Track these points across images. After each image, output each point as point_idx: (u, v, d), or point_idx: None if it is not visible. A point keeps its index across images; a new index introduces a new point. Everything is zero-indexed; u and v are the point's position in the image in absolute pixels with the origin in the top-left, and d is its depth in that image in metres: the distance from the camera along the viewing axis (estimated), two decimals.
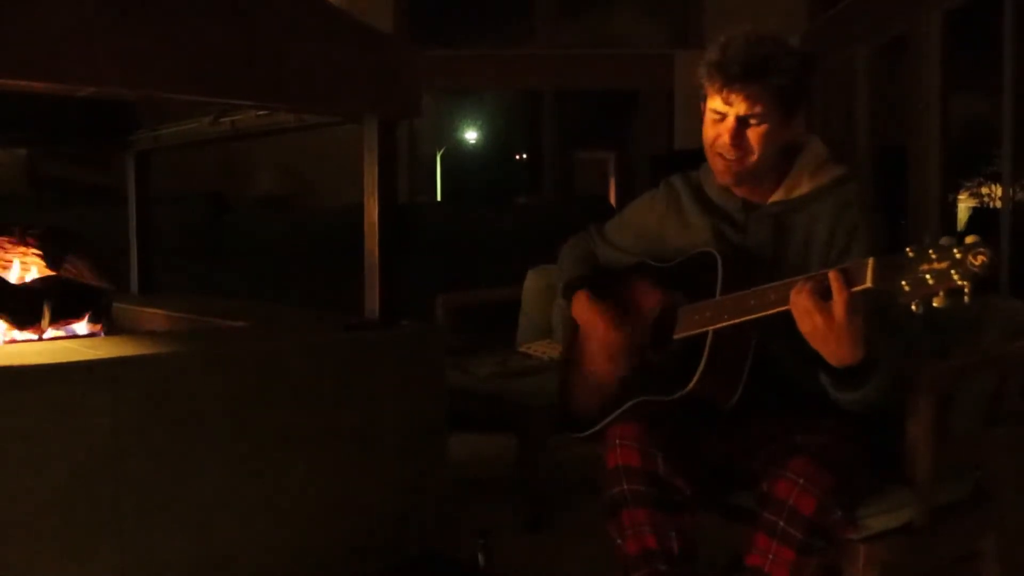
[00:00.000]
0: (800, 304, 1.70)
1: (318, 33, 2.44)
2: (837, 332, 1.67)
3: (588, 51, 9.46)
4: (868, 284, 1.59)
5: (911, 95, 6.18)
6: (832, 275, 1.66)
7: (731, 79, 1.92)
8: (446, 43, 9.17)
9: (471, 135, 19.99)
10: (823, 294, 1.67)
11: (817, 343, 1.72)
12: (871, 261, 1.59)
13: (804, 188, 2.01)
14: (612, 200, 13.13)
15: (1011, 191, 5.64)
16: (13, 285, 2.61)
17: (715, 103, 1.96)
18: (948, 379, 2.00)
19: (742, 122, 1.94)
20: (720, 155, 1.99)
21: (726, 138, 1.95)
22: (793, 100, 1.95)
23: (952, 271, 1.46)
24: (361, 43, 2.51)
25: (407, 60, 2.60)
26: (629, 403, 2.02)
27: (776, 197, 2.02)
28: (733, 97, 1.93)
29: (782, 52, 1.93)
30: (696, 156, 2.12)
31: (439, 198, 18.05)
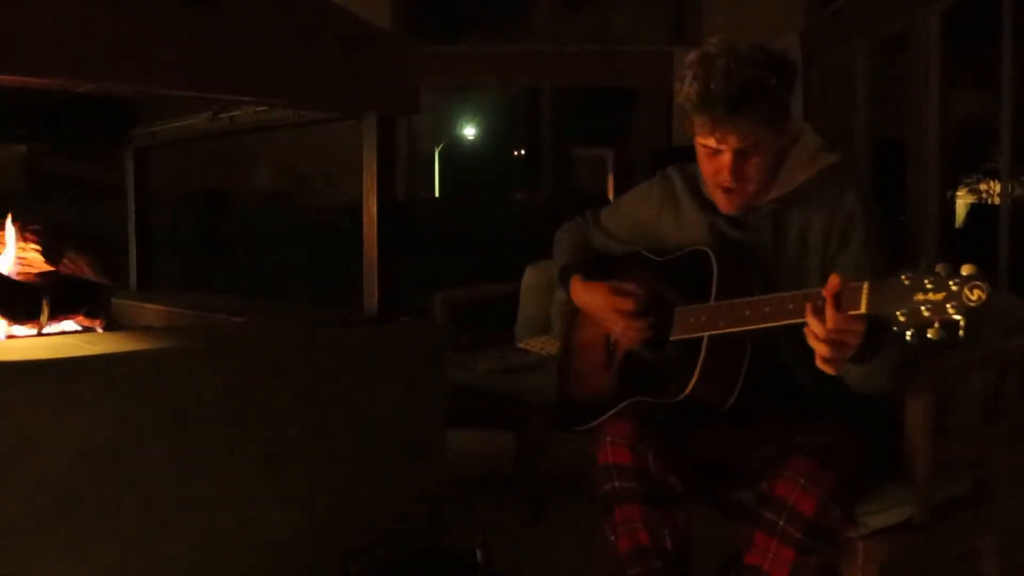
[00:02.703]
0: (832, 344, 1.63)
1: (317, 29, 2.43)
2: (841, 343, 1.64)
3: (587, 48, 9.43)
4: (862, 310, 1.57)
5: (909, 92, 6.17)
6: (827, 296, 1.60)
7: (720, 117, 1.84)
8: (444, 39, 9.15)
9: (470, 131, 20.00)
10: (820, 312, 1.63)
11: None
12: (866, 287, 1.56)
13: (798, 181, 1.98)
14: (610, 196, 13.13)
15: (1009, 187, 5.64)
16: (12, 280, 2.61)
17: (707, 140, 1.90)
18: (946, 376, 2.00)
19: (740, 154, 1.89)
20: (721, 188, 1.95)
21: (727, 175, 1.90)
22: (782, 113, 1.89)
23: (948, 304, 1.43)
24: (360, 39, 2.51)
25: (406, 56, 2.60)
26: (624, 403, 2.02)
27: (772, 194, 1.99)
28: (727, 136, 1.86)
29: (763, 70, 1.84)
30: (694, 152, 2.09)
31: (438, 194, 18.05)
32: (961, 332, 1.44)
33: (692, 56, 1.90)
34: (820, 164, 1.98)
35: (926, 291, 1.46)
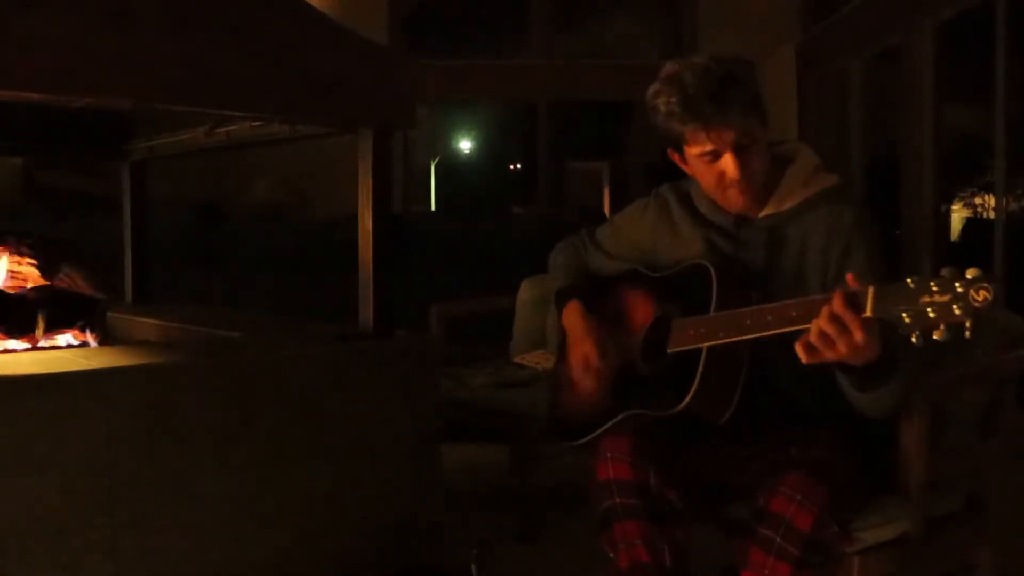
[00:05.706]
0: (821, 334, 1.62)
1: (313, 44, 2.44)
2: (864, 350, 1.62)
3: (582, 61, 9.49)
4: (868, 313, 1.58)
5: (904, 105, 6.20)
6: (838, 305, 1.59)
7: (710, 116, 1.86)
8: (441, 53, 9.19)
9: (465, 145, 20.03)
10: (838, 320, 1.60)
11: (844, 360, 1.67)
12: (871, 290, 1.56)
13: (795, 199, 1.98)
14: (606, 210, 13.15)
15: (1004, 202, 5.66)
16: (8, 294, 2.60)
17: (702, 146, 1.90)
18: (942, 390, 2.01)
19: (740, 151, 1.89)
20: (730, 189, 1.95)
21: (735, 173, 1.90)
22: (760, 103, 1.92)
23: (954, 305, 1.44)
24: (356, 54, 2.52)
25: (401, 70, 2.60)
26: (621, 416, 2.02)
27: (768, 210, 1.99)
28: (723, 134, 1.88)
29: (725, 66, 1.88)
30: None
31: (433, 208, 18.06)
32: (968, 333, 1.44)
33: (653, 88, 1.93)
34: (818, 185, 1.98)
35: (931, 293, 1.47)
